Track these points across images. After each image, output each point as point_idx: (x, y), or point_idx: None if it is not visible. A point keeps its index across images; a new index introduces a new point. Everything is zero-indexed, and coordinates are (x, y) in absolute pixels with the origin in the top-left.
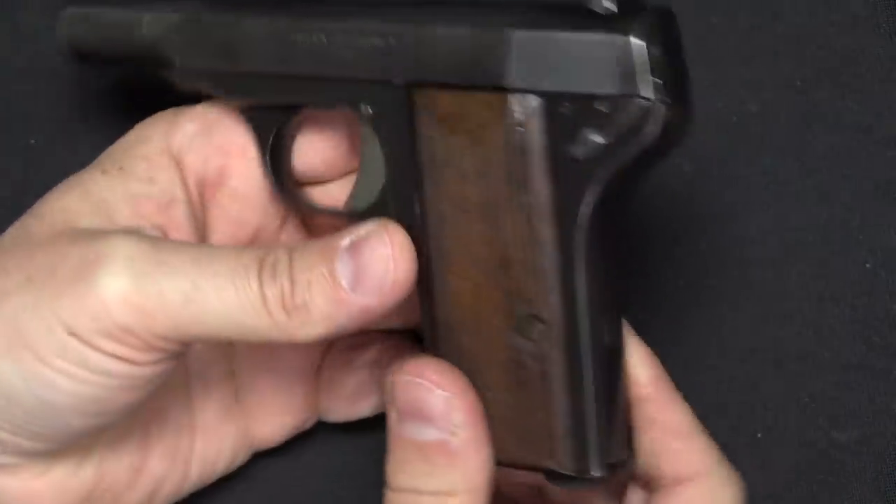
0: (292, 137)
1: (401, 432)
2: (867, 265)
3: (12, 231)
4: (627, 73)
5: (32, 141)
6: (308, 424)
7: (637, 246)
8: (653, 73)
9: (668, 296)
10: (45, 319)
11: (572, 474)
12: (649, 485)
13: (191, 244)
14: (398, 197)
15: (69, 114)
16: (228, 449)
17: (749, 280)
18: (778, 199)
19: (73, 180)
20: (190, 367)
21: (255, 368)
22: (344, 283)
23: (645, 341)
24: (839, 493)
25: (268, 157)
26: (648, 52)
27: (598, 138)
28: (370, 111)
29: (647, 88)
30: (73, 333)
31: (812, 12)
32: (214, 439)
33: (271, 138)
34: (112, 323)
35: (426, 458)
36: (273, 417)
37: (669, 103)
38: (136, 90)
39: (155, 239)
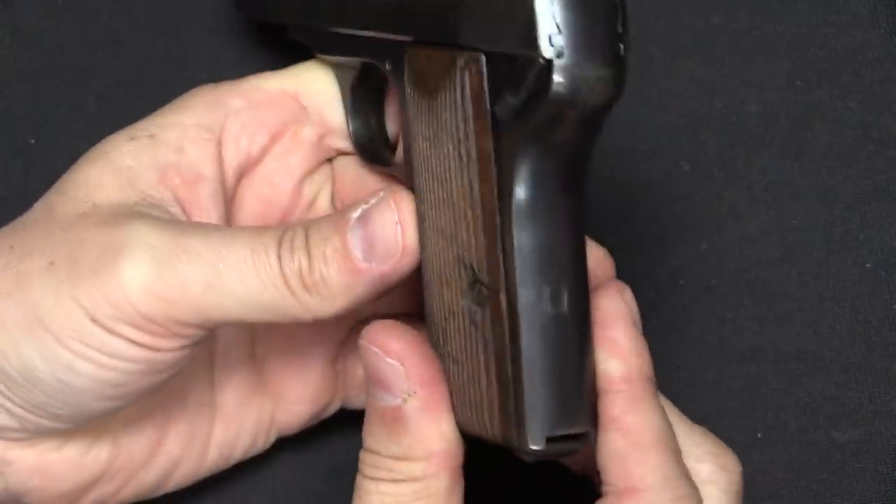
0: (379, 98)
1: (369, 396)
2: (867, 265)
3: (37, 206)
4: (529, 33)
5: (32, 141)
6: (330, 411)
7: (637, 246)
8: (554, 31)
9: (668, 296)
10: (66, 305)
11: (510, 446)
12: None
13: (211, 227)
14: (406, 158)
15: (69, 114)
16: (248, 433)
17: (749, 280)
18: (778, 199)
19: (98, 148)
20: (213, 349)
21: (278, 353)
22: (357, 253)
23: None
24: (839, 493)
25: (348, 116)
26: (551, 11)
27: (512, 99)
28: (388, 68)
29: (546, 47)
30: (94, 320)
31: (812, 12)
32: (234, 423)
33: (349, 95)
34: (134, 311)
35: (383, 423)
36: (295, 403)
37: (574, 63)
38: (136, 90)
39: (176, 224)
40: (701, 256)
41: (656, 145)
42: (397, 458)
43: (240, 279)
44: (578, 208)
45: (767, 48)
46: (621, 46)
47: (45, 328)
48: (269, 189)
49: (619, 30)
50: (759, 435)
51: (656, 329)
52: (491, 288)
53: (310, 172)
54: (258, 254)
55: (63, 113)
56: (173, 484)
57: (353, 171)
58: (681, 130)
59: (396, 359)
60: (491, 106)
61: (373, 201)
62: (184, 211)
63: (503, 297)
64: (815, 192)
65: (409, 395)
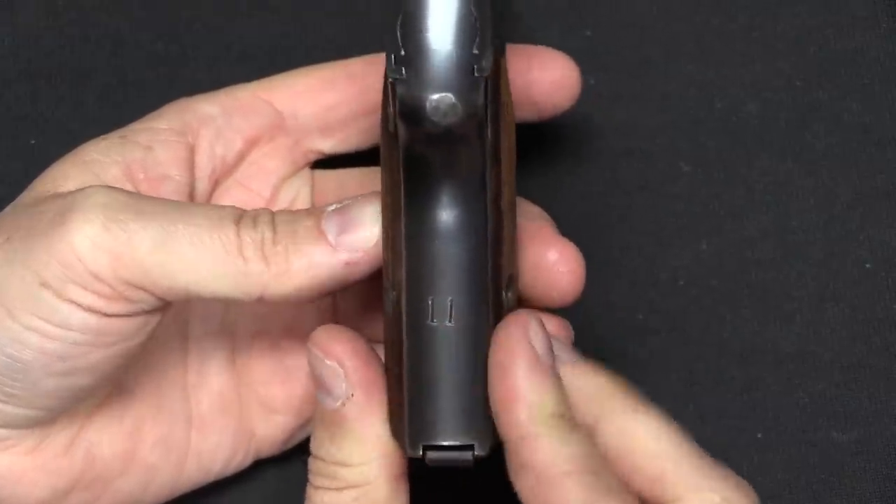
0: None
1: (317, 400)
2: (867, 265)
3: (8, 206)
4: (387, 52)
5: (33, 142)
6: (311, 428)
7: (637, 246)
8: (399, 52)
9: (668, 296)
10: (18, 273)
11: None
12: None
13: (168, 200)
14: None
15: (69, 114)
16: (227, 445)
17: (749, 280)
18: (778, 200)
19: (75, 150)
20: (188, 354)
21: (258, 361)
22: (329, 235)
23: (645, 342)
24: (839, 493)
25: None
26: (399, 32)
27: (392, 116)
28: None
29: (391, 68)
30: (44, 284)
31: (812, 13)
32: (212, 432)
33: None
34: (83, 268)
35: (325, 427)
36: (276, 414)
37: (414, 85)
38: (136, 90)
39: (130, 191)
40: (701, 256)
41: (656, 146)
42: (338, 464)
43: (191, 242)
44: (476, 224)
45: (767, 48)
46: (476, 67)
47: None
48: (246, 194)
49: (475, 51)
50: (758, 435)
51: (656, 329)
52: (396, 296)
53: (287, 177)
54: (213, 221)
55: (63, 113)
56: (151, 497)
57: (333, 178)
58: (681, 131)
59: (336, 361)
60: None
61: (352, 198)
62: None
63: (402, 306)
64: (815, 192)
65: (347, 398)
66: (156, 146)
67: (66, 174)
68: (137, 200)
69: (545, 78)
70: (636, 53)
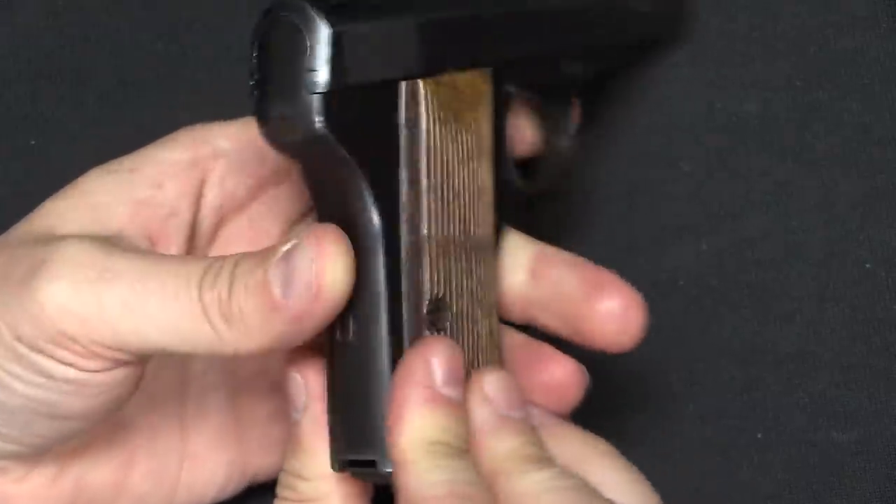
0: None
1: None
2: (867, 265)
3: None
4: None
5: (33, 142)
6: None
7: (637, 246)
8: (254, 69)
9: (668, 296)
10: None
11: None
12: None
13: (145, 252)
14: None
15: (69, 114)
16: (220, 478)
17: (749, 280)
18: (778, 200)
19: (79, 181)
20: (187, 390)
21: (259, 399)
22: (275, 289)
23: (645, 342)
24: (839, 493)
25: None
26: (251, 51)
27: None
28: None
29: (249, 84)
30: (18, 338)
31: (812, 12)
32: (206, 467)
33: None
34: (54, 329)
35: (290, 439)
36: (271, 450)
37: (260, 101)
38: (136, 90)
39: (107, 244)
40: (701, 257)
41: (656, 145)
42: (296, 477)
43: (159, 304)
44: (385, 240)
45: (767, 48)
46: (312, 84)
47: None
48: (256, 232)
49: (310, 66)
50: (759, 435)
51: (656, 329)
52: None
53: (300, 218)
54: (180, 280)
55: (63, 113)
56: None
57: None
58: (681, 131)
59: (298, 372)
60: None
61: (296, 237)
62: (152, 245)
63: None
64: (815, 192)
65: (305, 410)
66: (166, 182)
67: (67, 216)
68: (108, 256)
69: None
70: None
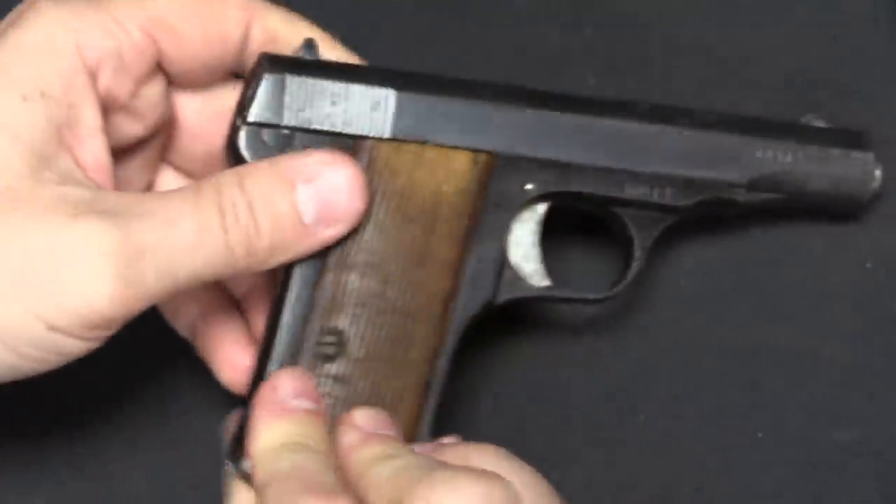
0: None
1: None
2: (868, 265)
3: None
4: None
5: None
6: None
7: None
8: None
9: (669, 295)
10: (21, 317)
11: None
12: None
13: (151, 203)
14: None
15: None
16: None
17: (749, 279)
18: None
19: None
20: None
21: None
22: (307, 218)
23: (645, 342)
24: (840, 493)
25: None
26: None
27: None
28: None
29: None
30: (53, 328)
31: (812, 12)
32: None
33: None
34: (99, 317)
35: None
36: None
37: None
38: None
39: (121, 218)
40: (701, 256)
41: None
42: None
43: (191, 259)
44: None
45: (768, 48)
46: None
47: None
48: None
49: (250, 100)
50: (759, 435)
51: (656, 329)
52: None
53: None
54: (203, 227)
55: None
56: None
57: None
58: None
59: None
60: None
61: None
62: (78, 166)
63: None
64: None
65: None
66: (75, 100)
67: (15, 163)
68: (129, 231)
69: None
70: (636, 53)
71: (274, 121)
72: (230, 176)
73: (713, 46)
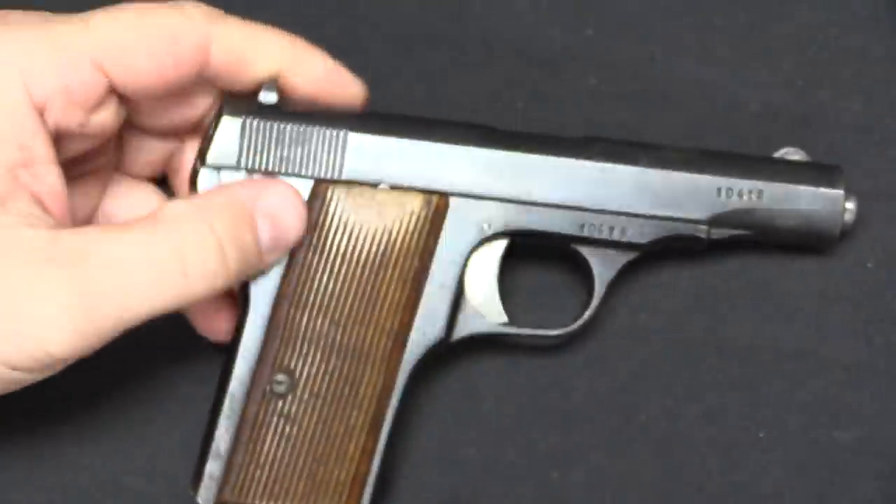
0: None
1: None
2: (868, 265)
3: None
4: None
5: None
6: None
7: None
8: None
9: (669, 295)
10: None
11: None
12: None
13: (108, 247)
14: None
15: None
16: None
17: (750, 279)
18: None
19: None
20: None
21: None
22: (264, 247)
23: (646, 342)
24: (841, 492)
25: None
26: None
27: None
28: None
29: None
30: (14, 368)
31: (813, 12)
32: None
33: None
34: (58, 361)
35: None
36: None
37: None
38: None
39: (74, 266)
40: (701, 256)
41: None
42: None
43: (147, 296)
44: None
45: (768, 48)
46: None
47: None
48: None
49: (208, 142)
50: (760, 434)
51: (658, 329)
52: None
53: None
54: (163, 278)
55: None
56: None
57: None
58: (681, 130)
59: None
60: None
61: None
62: (39, 202)
63: None
64: None
65: None
66: (25, 139)
67: None
68: (86, 279)
69: None
70: (637, 53)
71: (231, 163)
72: (193, 217)
73: (713, 46)
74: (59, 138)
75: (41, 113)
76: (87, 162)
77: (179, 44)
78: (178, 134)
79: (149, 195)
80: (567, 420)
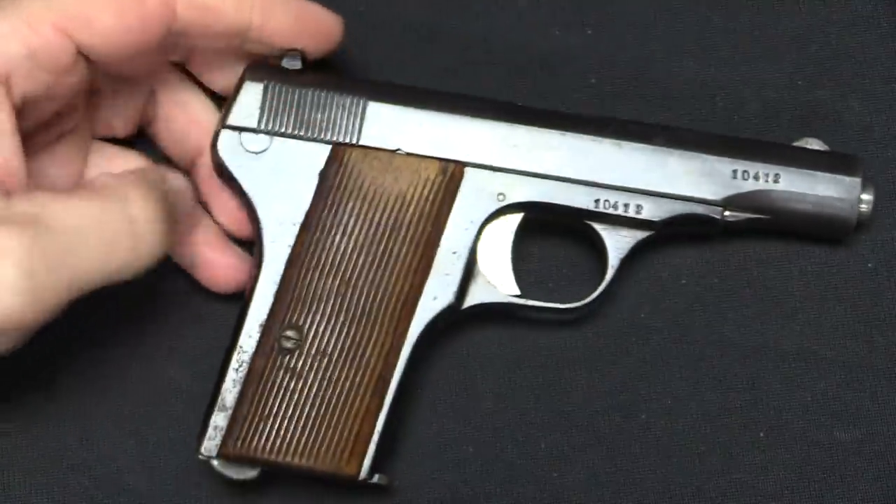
0: None
1: None
2: (869, 265)
3: None
4: None
5: None
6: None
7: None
8: None
9: (670, 295)
10: None
11: None
12: None
13: (61, 213)
14: None
15: None
16: None
17: (751, 279)
18: None
19: None
20: None
21: None
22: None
23: (646, 341)
24: (841, 492)
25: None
26: None
27: None
28: None
29: None
30: None
31: (812, 12)
32: None
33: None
34: (11, 325)
35: None
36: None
37: None
38: None
39: (25, 225)
40: (703, 255)
41: None
42: None
43: (100, 275)
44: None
45: (768, 48)
46: (224, 119)
47: None
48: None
49: (229, 106)
50: (761, 434)
51: (658, 328)
52: None
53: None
54: (114, 246)
55: None
56: None
57: None
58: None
59: None
60: None
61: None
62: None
63: None
64: None
65: None
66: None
67: None
68: (42, 241)
69: None
70: (637, 52)
71: (252, 126)
72: (138, 187)
73: (714, 47)
74: (25, 105)
75: (4, 82)
76: (59, 124)
77: (143, 4)
78: (148, 81)
79: (131, 161)
80: (567, 419)
